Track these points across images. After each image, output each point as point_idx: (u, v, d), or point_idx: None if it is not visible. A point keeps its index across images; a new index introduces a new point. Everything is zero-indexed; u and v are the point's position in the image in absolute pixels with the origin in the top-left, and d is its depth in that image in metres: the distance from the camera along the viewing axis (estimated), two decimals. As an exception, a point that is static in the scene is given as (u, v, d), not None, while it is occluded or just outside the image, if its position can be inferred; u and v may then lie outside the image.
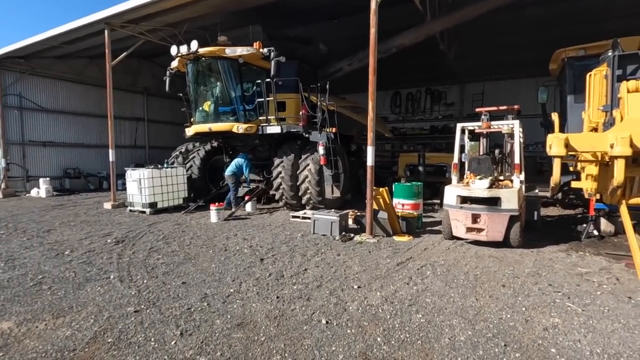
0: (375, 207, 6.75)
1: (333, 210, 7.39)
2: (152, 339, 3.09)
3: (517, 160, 6.36)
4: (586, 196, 6.02)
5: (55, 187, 14.24)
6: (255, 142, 10.16)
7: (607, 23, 11.16)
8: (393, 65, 14.89)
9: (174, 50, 8.83)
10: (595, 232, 6.59)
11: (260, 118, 9.44)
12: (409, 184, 7.57)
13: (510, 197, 5.76)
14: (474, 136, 7.82)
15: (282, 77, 8.94)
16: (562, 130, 7.22)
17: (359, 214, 7.42)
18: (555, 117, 5.64)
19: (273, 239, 6.58)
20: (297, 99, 9.46)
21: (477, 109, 7.56)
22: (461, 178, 7.01)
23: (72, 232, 7.18)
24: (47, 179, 13.66)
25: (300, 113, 9.26)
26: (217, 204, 8.39)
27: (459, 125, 7.04)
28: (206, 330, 3.24)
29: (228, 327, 3.31)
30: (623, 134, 3.83)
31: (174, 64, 9.56)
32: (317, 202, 8.78)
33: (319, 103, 9.16)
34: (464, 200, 6.07)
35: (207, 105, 9.80)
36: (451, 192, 6.19)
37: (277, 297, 3.98)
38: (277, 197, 9.40)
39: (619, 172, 3.91)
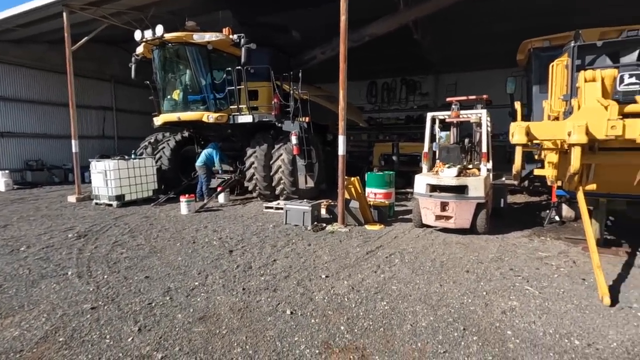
0: (347, 196, 6.76)
1: (305, 200, 7.36)
2: (108, 337, 2.97)
3: (484, 148, 6.49)
4: (549, 183, 6.23)
5: (16, 180, 13.47)
6: (227, 132, 9.91)
7: (589, 16, 11.30)
8: (369, 55, 14.84)
9: (137, 35, 8.41)
10: (557, 218, 6.87)
11: (232, 107, 9.20)
12: (381, 173, 7.61)
13: (477, 185, 5.88)
14: (446, 125, 7.92)
15: (254, 64, 8.72)
16: (528, 119, 7.42)
17: (331, 203, 7.41)
18: (518, 105, 5.77)
19: (244, 231, 6.48)
20: (270, 87, 9.27)
21: (448, 99, 7.64)
22: (432, 167, 7.10)
23: (31, 227, 6.81)
24: (7, 171, 12.87)
25: (273, 102, 9.08)
26: (187, 195, 8.17)
27: (429, 115, 7.10)
28: (166, 325, 3.15)
29: (189, 321, 3.23)
30: (580, 122, 3.94)
31: (139, 49, 9.13)
32: (290, 192, 8.70)
33: (291, 92, 9.01)
34: (434, 188, 6.15)
35: (176, 94, 9.45)
36: (421, 181, 6.26)
37: (243, 289, 3.92)
38: (250, 188, 9.25)
39: (575, 159, 4.03)
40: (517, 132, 4.19)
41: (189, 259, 4.93)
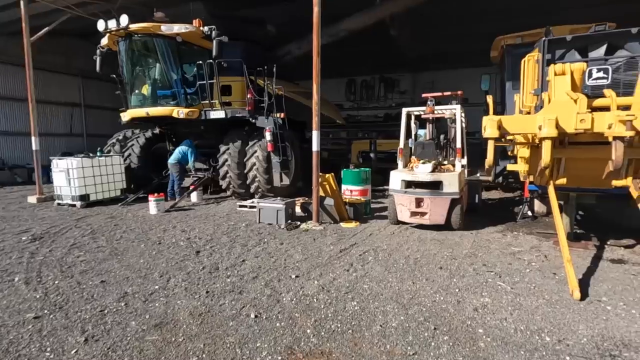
0: (322, 193, 6.60)
1: (279, 198, 7.15)
2: (49, 349, 2.69)
3: (458, 144, 6.46)
4: (521, 179, 6.27)
5: (-27, 181, 12.65)
6: (200, 128, 9.55)
7: (567, 17, 11.28)
8: (348, 51, 14.69)
9: (101, 25, 7.94)
10: (530, 213, 6.94)
11: (203, 102, 8.85)
12: (357, 169, 7.49)
13: (452, 180, 5.84)
14: (423, 122, 7.86)
15: (227, 58, 8.41)
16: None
17: (307, 201, 7.24)
18: (489, 99, 5.79)
19: (214, 230, 6.21)
20: (243, 82, 8.98)
21: (424, 95, 7.59)
22: (408, 163, 7.03)
23: (-19, 230, 6.31)
24: (-38, 171, 12.07)
25: (247, 97, 8.80)
26: (156, 194, 7.80)
27: (404, 110, 7.02)
28: (117, 335, 2.89)
29: (144, 328, 2.98)
30: (550, 115, 3.93)
31: (104, 41, 8.63)
32: (265, 190, 8.46)
33: (265, 87, 8.76)
34: (409, 184, 6.07)
35: (145, 88, 9.02)
36: (396, 177, 6.18)
37: (207, 292, 3.68)
38: (224, 186, 8.95)
39: (546, 153, 4.02)
40: (489, 126, 4.14)
41: (152, 261, 4.64)
